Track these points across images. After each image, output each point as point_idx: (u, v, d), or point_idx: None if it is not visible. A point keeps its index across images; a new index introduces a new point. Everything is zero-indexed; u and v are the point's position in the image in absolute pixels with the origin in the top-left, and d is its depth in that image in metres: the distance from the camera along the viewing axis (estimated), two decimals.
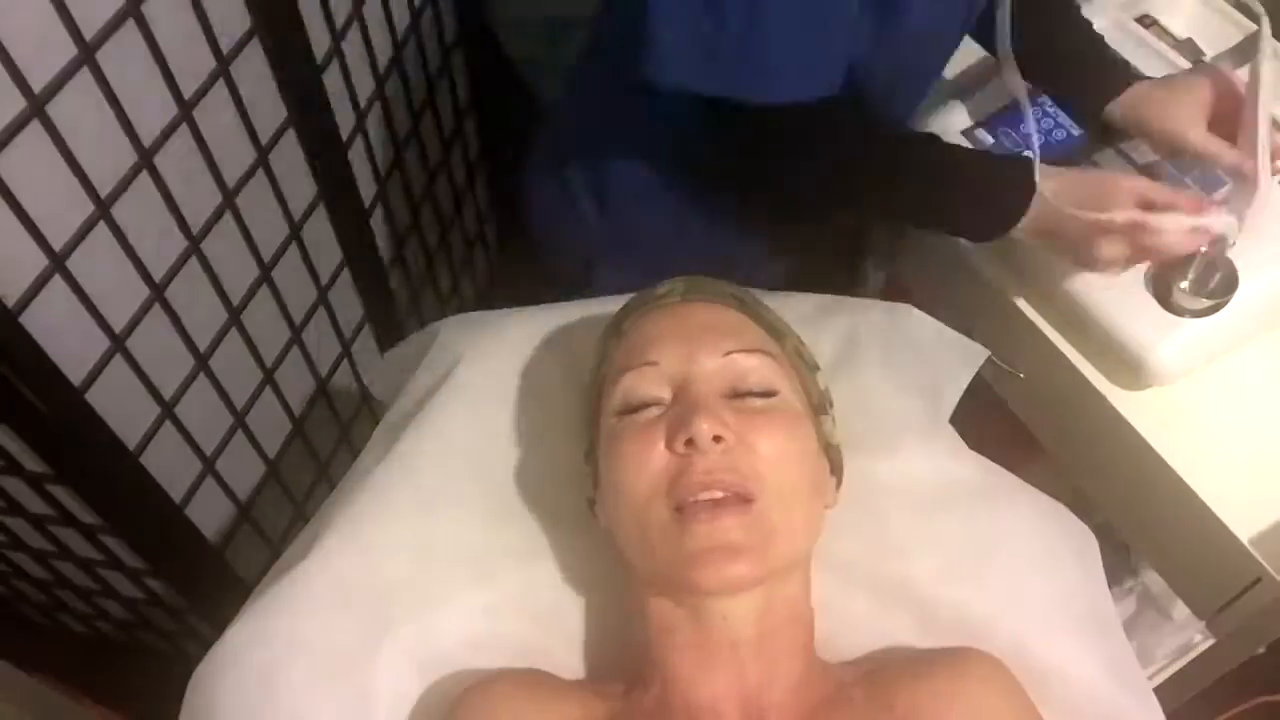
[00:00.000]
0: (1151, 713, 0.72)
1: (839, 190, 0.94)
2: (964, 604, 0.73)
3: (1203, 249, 0.87)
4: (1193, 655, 1.14)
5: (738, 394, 0.68)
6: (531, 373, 0.87)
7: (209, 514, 1.21)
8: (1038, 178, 0.84)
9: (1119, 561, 1.25)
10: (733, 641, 0.66)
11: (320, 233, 1.27)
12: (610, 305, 0.89)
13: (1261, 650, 0.95)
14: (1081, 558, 0.77)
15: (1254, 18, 0.93)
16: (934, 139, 0.90)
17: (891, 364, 0.85)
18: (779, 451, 0.65)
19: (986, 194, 0.88)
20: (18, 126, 0.81)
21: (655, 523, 0.64)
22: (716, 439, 0.63)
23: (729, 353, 0.69)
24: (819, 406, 0.73)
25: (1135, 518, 1.00)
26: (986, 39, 1.01)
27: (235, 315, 1.14)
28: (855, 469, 0.76)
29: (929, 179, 0.89)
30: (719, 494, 0.63)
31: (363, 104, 1.30)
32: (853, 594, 0.75)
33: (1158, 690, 0.74)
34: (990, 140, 1.05)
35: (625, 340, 0.74)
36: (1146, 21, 1.07)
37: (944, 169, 0.88)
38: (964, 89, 1.09)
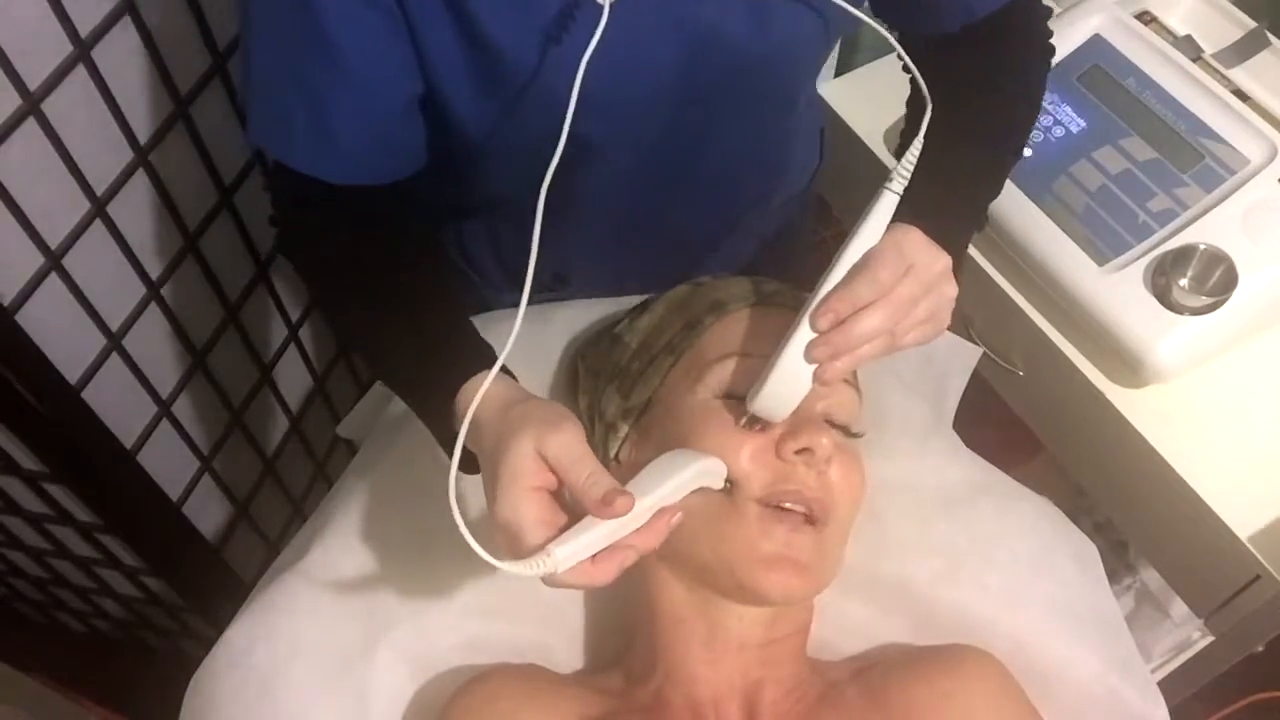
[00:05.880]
0: (1158, 714, 0.72)
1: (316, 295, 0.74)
2: (964, 605, 0.73)
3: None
4: (1191, 653, 1.14)
5: (831, 423, 0.69)
6: (525, 369, 0.87)
7: (206, 512, 1.20)
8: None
9: (1117, 559, 1.25)
10: (741, 643, 0.67)
11: None
12: (595, 306, 0.89)
13: (1260, 648, 0.95)
14: (1081, 560, 0.77)
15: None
16: (429, 297, 0.70)
17: (893, 366, 0.84)
18: (855, 491, 0.68)
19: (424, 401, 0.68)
20: (13, 124, 0.80)
21: (730, 513, 0.64)
22: (827, 460, 0.65)
23: (844, 379, 0.69)
24: None
25: (1134, 515, 1.00)
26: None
27: (233, 313, 1.14)
28: None
29: (374, 337, 0.70)
30: (804, 510, 0.64)
31: None
32: (853, 596, 0.75)
33: None
34: None
35: (731, 320, 0.72)
36: (1146, 18, 1.07)
37: (398, 336, 0.68)
38: None
